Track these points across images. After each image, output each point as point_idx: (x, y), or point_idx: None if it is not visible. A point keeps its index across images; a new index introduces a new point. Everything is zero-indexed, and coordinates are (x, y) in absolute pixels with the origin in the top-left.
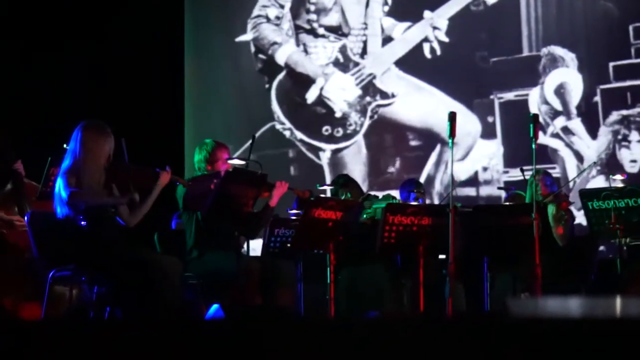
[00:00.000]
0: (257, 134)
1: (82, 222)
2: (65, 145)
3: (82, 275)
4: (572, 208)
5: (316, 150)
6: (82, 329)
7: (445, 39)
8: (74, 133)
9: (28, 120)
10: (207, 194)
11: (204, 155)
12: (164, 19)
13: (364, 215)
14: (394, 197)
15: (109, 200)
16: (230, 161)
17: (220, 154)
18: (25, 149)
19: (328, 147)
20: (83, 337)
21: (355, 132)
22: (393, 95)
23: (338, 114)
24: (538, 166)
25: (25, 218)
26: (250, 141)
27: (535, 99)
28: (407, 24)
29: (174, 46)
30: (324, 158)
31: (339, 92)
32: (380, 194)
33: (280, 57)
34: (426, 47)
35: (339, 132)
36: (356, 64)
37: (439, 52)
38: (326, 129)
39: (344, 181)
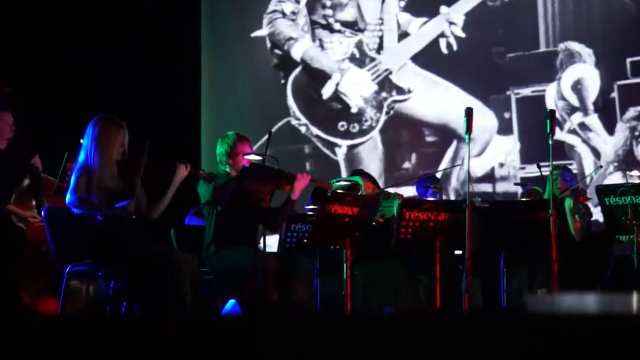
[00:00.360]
0: (273, 130)
1: (99, 218)
2: (82, 140)
3: (99, 270)
4: (590, 204)
5: (332, 146)
6: (98, 324)
7: (462, 35)
8: (87, 128)
9: (45, 115)
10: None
11: (225, 149)
12: (180, 14)
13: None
14: (400, 196)
15: (109, 211)
16: (247, 156)
17: (242, 147)
18: (43, 144)
19: (344, 143)
20: (99, 332)
21: (371, 128)
22: (409, 91)
23: (354, 110)
24: (555, 162)
25: (42, 213)
26: (266, 136)
27: (552, 95)
28: (424, 19)
29: (190, 41)
30: (340, 154)
31: (355, 87)
32: (395, 190)
33: (296, 53)
34: (442, 43)
35: (355, 127)
36: (372, 60)
37: (455, 48)
38: (342, 125)
39: (359, 176)
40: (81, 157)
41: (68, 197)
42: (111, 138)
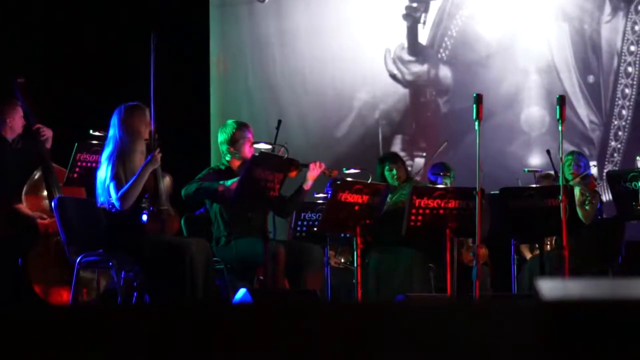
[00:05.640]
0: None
1: (113, 209)
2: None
3: (110, 261)
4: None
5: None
6: (110, 314)
7: None
8: (112, 119)
9: (55, 106)
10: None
11: (225, 138)
12: (189, 5)
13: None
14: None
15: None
16: (256, 145)
17: (241, 133)
18: (53, 135)
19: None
20: (111, 322)
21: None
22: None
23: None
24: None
25: (53, 204)
26: (277, 125)
27: None
28: None
29: (199, 29)
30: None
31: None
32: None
33: None
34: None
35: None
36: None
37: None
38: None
39: (393, 159)
40: (108, 148)
41: (118, 203)
42: (137, 120)
